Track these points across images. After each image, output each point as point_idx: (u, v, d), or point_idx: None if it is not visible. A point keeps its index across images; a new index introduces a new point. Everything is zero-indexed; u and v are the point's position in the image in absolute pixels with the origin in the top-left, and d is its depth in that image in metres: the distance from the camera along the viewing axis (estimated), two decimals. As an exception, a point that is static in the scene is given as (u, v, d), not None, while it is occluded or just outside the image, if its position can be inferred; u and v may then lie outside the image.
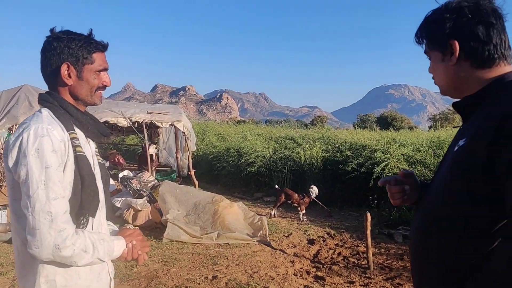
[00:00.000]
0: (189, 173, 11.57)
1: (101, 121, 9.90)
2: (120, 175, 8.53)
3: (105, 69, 1.68)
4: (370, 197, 8.45)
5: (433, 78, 1.44)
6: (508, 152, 1.07)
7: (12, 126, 9.73)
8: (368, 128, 19.75)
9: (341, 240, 7.01)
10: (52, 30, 1.59)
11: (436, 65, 1.39)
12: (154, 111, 11.60)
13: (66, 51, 1.56)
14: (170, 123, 11.47)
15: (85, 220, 1.53)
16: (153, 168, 11.76)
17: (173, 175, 12.62)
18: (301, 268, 5.63)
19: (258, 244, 6.42)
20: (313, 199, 8.44)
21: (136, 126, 11.23)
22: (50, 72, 1.58)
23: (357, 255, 6.23)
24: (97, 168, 1.69)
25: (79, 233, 1.45)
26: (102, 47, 1.66)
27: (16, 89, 11.19)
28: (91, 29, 1.64)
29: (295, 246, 6.54)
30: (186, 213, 7.06)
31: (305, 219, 8.27)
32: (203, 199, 7.30)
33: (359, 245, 6.72)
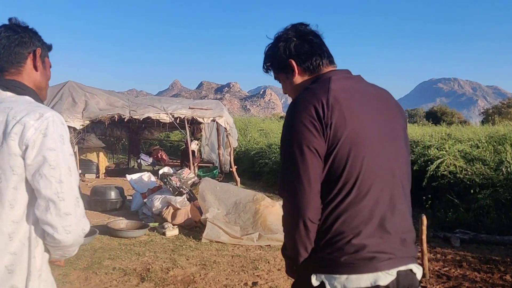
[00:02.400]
0: (231, 169, 11.31)
1: (144, 117, 9.69)
2: (160, 171, 8.36)
3: (51, 66, 1.66)
4: (424, 197, 7.84)
5: (284, 93, 1.78)
6: None
7: (56, 122, 9.76)
8: (418, 123, 18.82)
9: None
10: (12, 19, 1.55)
11: (285, 83, 1.73)
12: (196, 106, 11.41)
13: (37, 39, 1.56)
14: (212, 118, 11.25)
15: None
16: (195, 164, 11.58)
17: (215, 171, 12.40)
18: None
19: (302, 246, 6.02)
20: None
21: (178, 122, 11.08)
22: (18, 58, 1.51)
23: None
24: None
25: None
26: (51, 47, 1.66)
27: (60, 85, 11.29)
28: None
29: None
30: (226, 212, 6.76)
31: None
32: (243, 198, 6.98)
33: (412, 249, 6.18)
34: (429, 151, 8.65)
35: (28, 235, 1.41)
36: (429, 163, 8.29)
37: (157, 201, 7.13)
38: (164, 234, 6.29)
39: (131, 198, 8.48)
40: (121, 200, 8.06)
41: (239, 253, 5.64)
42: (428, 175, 7.96)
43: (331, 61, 1.70)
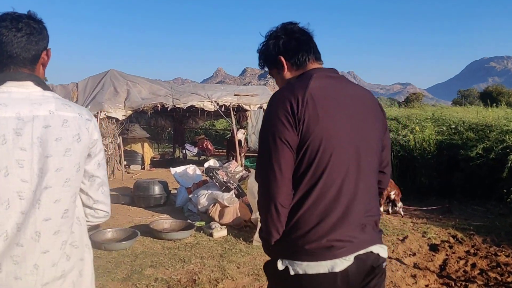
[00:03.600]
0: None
1: (187, 106, 9.13)
2: (205, 165, 7.74)
3: None
4: (504, 190, 6.82)
5: (279, 86, 1.87)
6: None
7: (97, 113, 9.40)
8: (475, 104, 17.31)
9: (472, 246, 5.58)
10: (30, 12, 1.53)
11: (277, 78, 1.87)
12: (241, 93, 10.75)
13: (47, 38, 1.57)
14: (259, 105, 10.56)
15: None
16: (242, 154, 10.95)
17: (263, 161, 11.73)
18: (427, 286, 4.38)
19: (367, 250, 5.24)
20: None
21: (223, 110, 10.46)
22: (34, 56, 1.51)
23: (498, 268, 4.81)
24: None
25: None
26: None
27: (102, 74, 10.93)
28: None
29: (415, 254, 5.26)
30: (279, 209, 6.06)
31: (403, 213, 7.18)
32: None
33: (498, 253, 5.26)
34: (507, 137, 7.57)
35: (78, 215, 1.57)
36: (508, 151, 7.23)
37: (203, 198, 6.54)
38: (211, 235, 5.68)
39: (175, 192, 7.98)
40: (165, 196, 7.54)
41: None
42: (509, 164, 6.92)
43: (317, 58, 1.81)
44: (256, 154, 12.61)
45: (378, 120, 1.78)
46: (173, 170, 8.08)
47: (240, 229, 6.00)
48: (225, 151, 13.10)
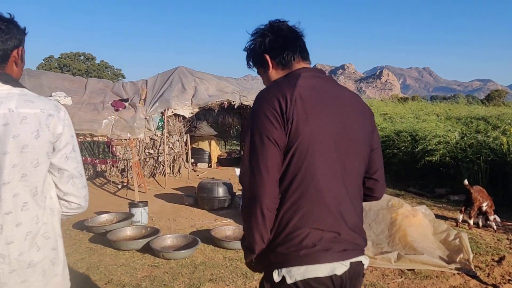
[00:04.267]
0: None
1: None
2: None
3: None
4: None
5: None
6: None
7: (164, 110, 9.22)
8: None
9: None
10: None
11: (263, 77, 1.81)
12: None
13: (20, 36, 1.60)
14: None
15: None
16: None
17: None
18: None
19: (458, 273, 4.48)
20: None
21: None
22: (3, 55, 1.57)
23: None
24: None
25: None
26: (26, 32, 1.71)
27: (171, 71, 10.80)
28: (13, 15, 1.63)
29: (516, 281, 4.42)
30: (353, 220, 5.44)
31: (495, 227, 6.21)
32: (374, 203, 5.58)
33: None
34: None
35: (52, 206, 1.64)
36: None
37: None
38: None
39: (240, 194, 7.58)
40: (230, 198, 7.15)
41: (374, 281, 4.30)
42: None
43: (304, 57, 1.74)
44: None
45: (366, 122, 1.71)
46: (238, 170, 7.66)
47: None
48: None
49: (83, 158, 7.90)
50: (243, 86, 10.53)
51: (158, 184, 9.16)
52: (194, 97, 9.66)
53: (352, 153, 1.62)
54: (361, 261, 1.64)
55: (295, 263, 1.52)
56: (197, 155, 11.65)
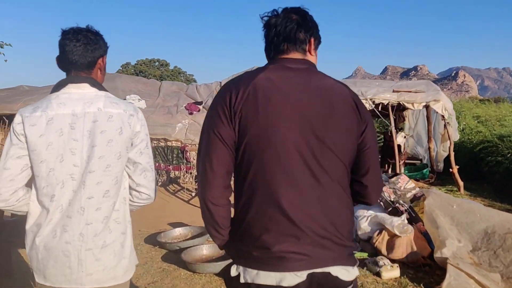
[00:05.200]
0: (450, 170, 8.68)
1: None
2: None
3: None
4: None
5: None
6: None
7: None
8: None
9: None
10: (88, 26, 1.83)
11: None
12: (401, 89, 9.08)
13: (104, 47, 1.85)
14: (424, 103, 8.77)
15: None
16: (401, 161, 9.27)
17: (424, 170, 9.91)
18: None
19: None
20: None
21: (379, 109, 8.95)
22: (91, 62, 1.80)
23: None
24: None
25: None
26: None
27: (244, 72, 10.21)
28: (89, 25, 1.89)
29: None
30: (472, 246, 4.44)
31: None
32: (498, 225, 4.54)
33: None
34: None
35: (125, 196, 1.84)
36: None
37: (364, 221, 5.19)
38: (378, 274, 4.32)
39: None
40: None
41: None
42: None
43: (292, 47, 1.60)
44: (414, 162, 10.82)
45: (349, 119, 1.53)
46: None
47: (416, 268, 4.50)
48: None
49: (157, 164, 7.45)
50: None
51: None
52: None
53: (322, 150, 1.48)
54: (329, 272, 1.47)
55: (249, 265, 1.48)
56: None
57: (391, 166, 9.80)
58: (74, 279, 1.72)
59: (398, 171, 8.90)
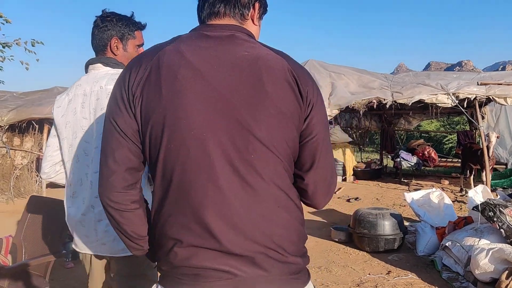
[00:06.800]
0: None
1: (413, 101, 6.65)
2: (478, 198, 4.91)
3: (142, 44, 2.00)
4: None
5: None
6: None
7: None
8: None
9: None
10: (103, 11, 1.93)
11: None
12: (489, 81, 7.57)
13: (115, 28, 1.90)
14: (517, 98, 7.24)
15: None
16: (490, 167, 7.73)
17: (514, 177, 8.32)
18: None
19: None
20: None
21: (464, 105, 7.49)
22: (102, 45, 1.90)
23: None
24: None
25: None
26: (142, 26, 2.00)
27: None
28: (132, 12, 1.98)
29: None
30: None
31: None
32: None
33: None
34: None
35: None
36: None
37: (484, 256, 3.80)
38: None
39: (412, 229, 5.46)
40: (401, 237, 5.01)
41: None
42: None
43: (215, 13, 1.27)
44: (498, 167, 9.24)
45: (285, 99, 1.15)
46: (409, 196, 5.49)
47: None
48: (451, 161, 9.95)
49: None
50: (393, 80, 8.28)
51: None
52: (332, 95, 7.68)
53: (247, 140, 1.13)
54: None
55: (163, 282, 1.22)
56: (329, 166, 9.64)
57: (473, 172, 8.27)
58: (94, 246, 1.84)
59: (485, 179, 7.42)
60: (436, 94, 7.37)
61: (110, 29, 1.88)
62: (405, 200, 7.73)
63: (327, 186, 1.29)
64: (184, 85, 1.13)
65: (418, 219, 5.36)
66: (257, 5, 1.30)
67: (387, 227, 4.97)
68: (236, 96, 1.13)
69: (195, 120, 1.13)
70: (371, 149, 13.57)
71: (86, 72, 1.91)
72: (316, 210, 7.07)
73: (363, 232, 5.00)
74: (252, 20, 1.30)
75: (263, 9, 1.35)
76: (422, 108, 9.22)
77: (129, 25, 1.92)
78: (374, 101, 7.46)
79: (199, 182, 1.13)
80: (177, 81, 1.13)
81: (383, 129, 10.74)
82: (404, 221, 5.48)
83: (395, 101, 7.48)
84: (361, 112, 7.56)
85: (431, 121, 14.85)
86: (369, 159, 11.85)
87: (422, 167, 10.19)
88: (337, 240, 5.42)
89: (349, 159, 10.10)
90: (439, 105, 7.49)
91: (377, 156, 12.18)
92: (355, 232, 5.12)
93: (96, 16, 1.91)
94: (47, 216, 3.03)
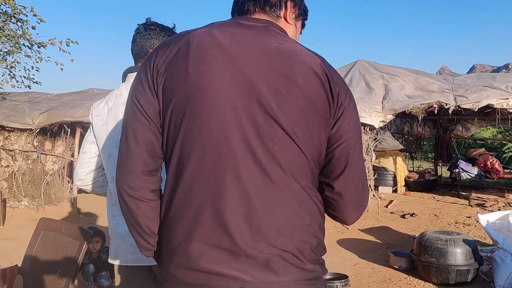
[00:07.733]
0: None
1: (480, 106, 5.98)
2: None
3: None
4: None
5: None
6: None
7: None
8: None
9: None
10: (147, 19, 1.93)
11: None
12: None
13: (158, 37, 1.89)
14: None
15: None
16: None
17: None
18: None
19: None
20: None
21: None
22: (144, 52, 1.87)
23: None
24: None
25: None
26: None
27: (348, 66, 8.23)
28: (174, 24, 1.97)
29: None
30: None
31: None
32: None
33: None
34: None
35: None
36: None
37: None
38: None
39: (484, 254, 4.68)
40: (476, 268, 4.23)
41: None
42: None
43: (261, 8, 1.23)
44: None
45: (314, 97, 1.08)
46: (483, 218, 4.65)
47: None
48: (516, 172, 8.92)
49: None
50: (455, 82, 7.44)
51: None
52: (385, 99, 6.93)
53: (271, 128, 1.06)
54: None
55: (166, 285, 1.15)
56: (378, 175, 8.82)
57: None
58: (139, 257, 1.71)
59: None
60: (507, 99, 6.49)
61: (153, 37, 1.90)
62: (468, 217, 6.92)
63: (359, 196, 1.18)
64: (212, 66, 1.08)
65: (497, 246, 4.55)
66: (289, 4, 1.25)
67: (459, 255, 4.19)
68: (265, 83, 1.07)
69: (220, 103, 1.07)
70: (419, 156, 12.59)
71: (124, 80, 1.92)
72: (366, 228, 6.38)
73: (430, 261, 4.24)
74: (286, 19, 1.26)
75: (299, 10, 1.29)
76: (484, 113, 8.31)
77: (171, 36, 1.92)
78: (435, 105, 6.65)
79: (219, 169, 1.06)
80: (206, 61, 1.08)
81: (438, 136, 9.82)
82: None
83: (459, 106, 6.65)
84: (419, 118, 6.76)
85: (488, 127, 13.72)
86: (422, 168, 10.92)
87: (486, 180, 9.24)
88: (397, 267, 4.68)
89: (400, 168, 9.27)
90: (510, 110, 6.61)
91: (428, 165, 11.23)
92: (420, 260, 4.36)
93: (138, 24, 1.94)
94: (58, 245, 2.63)
